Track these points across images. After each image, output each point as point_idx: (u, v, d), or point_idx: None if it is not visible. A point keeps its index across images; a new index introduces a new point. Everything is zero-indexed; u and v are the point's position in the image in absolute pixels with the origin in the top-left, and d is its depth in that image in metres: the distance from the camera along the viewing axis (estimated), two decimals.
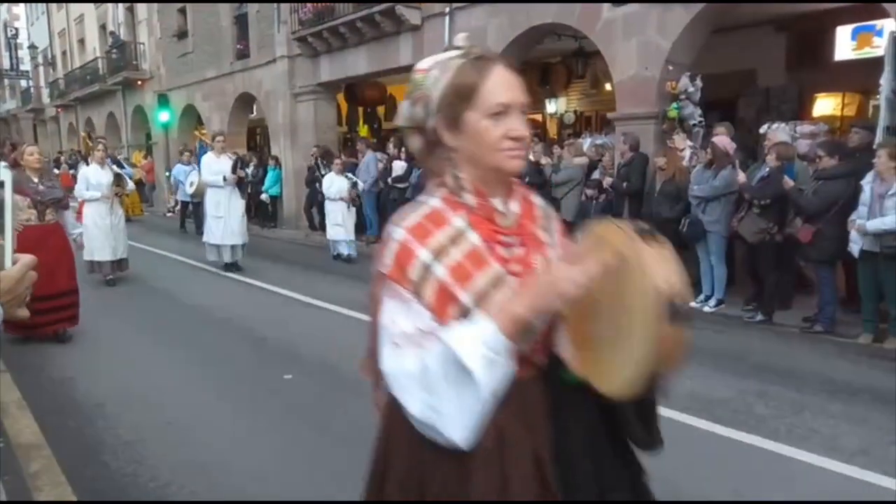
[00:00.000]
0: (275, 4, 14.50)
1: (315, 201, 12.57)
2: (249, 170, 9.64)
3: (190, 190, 12.95)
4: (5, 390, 4.35)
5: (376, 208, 11.21)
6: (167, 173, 18.01)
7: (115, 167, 8.32)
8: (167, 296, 7.64)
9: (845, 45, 9.61)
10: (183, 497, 3.03)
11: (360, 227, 11.01)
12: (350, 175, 10.36)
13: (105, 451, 3.50)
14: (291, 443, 3.63)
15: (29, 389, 4.37)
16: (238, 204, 9.03)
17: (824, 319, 5.78)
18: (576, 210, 8.20)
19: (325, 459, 3.41)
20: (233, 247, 8.96)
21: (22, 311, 1.15)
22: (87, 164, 8.44)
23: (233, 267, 8.94)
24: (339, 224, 10.10)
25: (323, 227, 12.75)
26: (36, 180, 5.32)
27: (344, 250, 10.18)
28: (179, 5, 19.21)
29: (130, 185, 8.73)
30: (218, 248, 8.95)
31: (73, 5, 28.27)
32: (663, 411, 4.05)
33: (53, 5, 30.64)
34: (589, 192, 8.07)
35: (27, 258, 1.15)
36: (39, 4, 32.49)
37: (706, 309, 6.66)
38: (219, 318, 6.52)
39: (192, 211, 13.63)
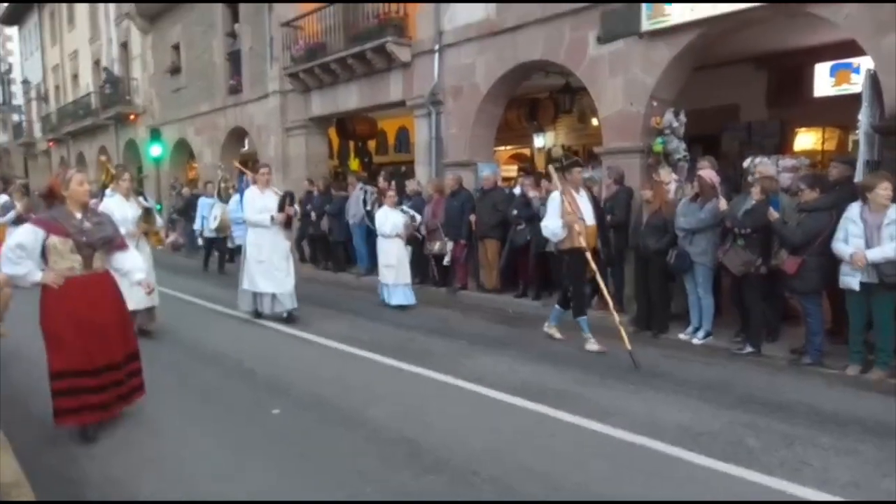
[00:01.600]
0: (267, 41, 14.74)
1: (306, 234, 12.59)
2: (297, 207, 8.48)
3: (213, 224, 12.26)
4: None
5: (366, 241, 11.24)
6: (158, 206, 17.94)
7: (142, 200, 7.26)
8: (175, 340, 7.53)
9: (824, 81, 9.87)
10: None
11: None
12: (406, 209, 9.31)
13: (91, 489, 3.44)
14: (285, 478, 3.59)
15: (10, 425, 4.28)
16: (283, 246, 7.82)
17: (812, 351, 5.81)
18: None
19: (320, 491, 3.36)
20: (278, 296, 7.70)
21: (1, 329, 1.16)
22: (107, 196, 7.18)
23: (288, 318, 7.73)
24: (392, 265, 8.81)
25: (314, 260, 12.80)
26: (79, 216, 4.11)
27: (399, 299, 8.78)
28: (174, 42, 19.47)
29: (159, 220, 7.74)
30: (258, 296, 7.79)
31: (67, 41, 28.56)
32: (650, 443, 4.08)
33: (48, 41, 30.94)
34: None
35: (0, 276, 1.16)
36: (34, 40, 32.80)
37: (695, 341, 6.68)
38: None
39: (212, 247, 12.72)
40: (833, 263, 5.58)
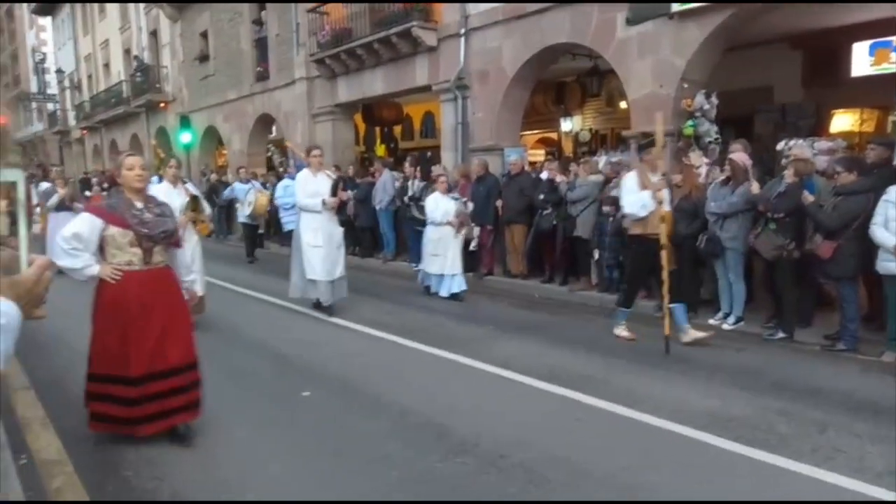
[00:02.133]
0: (293, 27, 14.79)
1: None
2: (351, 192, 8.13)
3: (247, 210, 11.95)
4: (28, 407, 4.42)
5: (393, 227, 11.29)
6: None
7: (189, 187, 7.00)
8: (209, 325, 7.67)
9: (863, 60, 9.56)
10: None
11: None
12: (457, 195, 8.86)
13: (126, 466, 3.54)
14: (314, 460, 3.65)
15: (52, 406, 4.43)
16: (337, 232, 7.43)
17: (847, 337, 5.70)
18: (592, 227, 8.19)
19: (343, 482, 3.42)
20: (336, 283, 7.33)
21: (40, 311, 1.19)
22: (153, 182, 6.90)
23: (327, 308, 7.32)
24: (441, 255, 8.35)
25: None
26: (139, 206, 3.72)
27: (452, 288, 8.37)
28: (202, 29, 19.65)
29: (207, 208, 7.20)
30: (313, 284, 7.21)
31: (98, 30, 29.02)
32: (679, 428, 4.04)
33: (80, 31, 31.45)
34: (605, 208, 8.06)
35: (42, 259, 1.19)
36: (66, 30, 33.36)
37: (725, 326, 6.59)
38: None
39: (248, 234, 12.40)
40: (870, 248, 5.44)
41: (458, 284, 8.41)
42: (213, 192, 15.51)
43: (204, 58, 19.75)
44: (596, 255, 8.30)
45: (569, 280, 8.72)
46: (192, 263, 5.51)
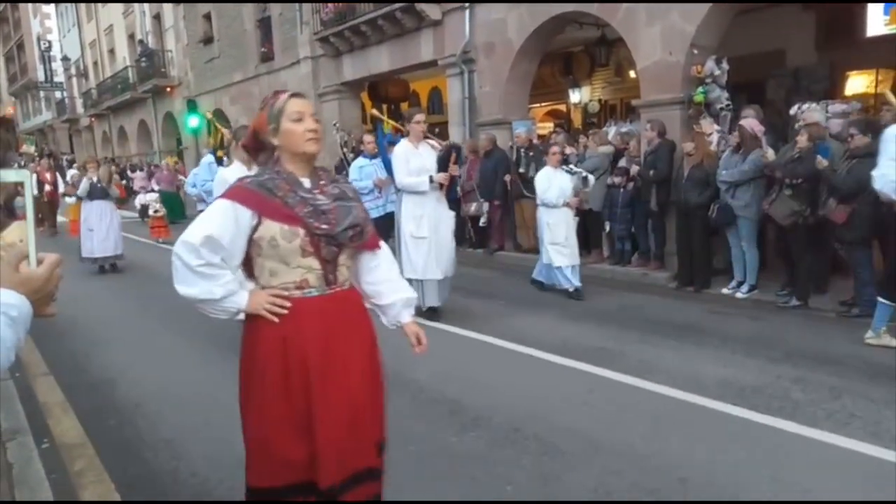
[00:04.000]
0: (297, 6, 14.65)
1: None
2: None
3: None
4: (49, 392, 4.50)
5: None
6: (185, 179, 18.12)
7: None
8: None
9: (878, 19, 9.31)
10: (223, 490, 3.10)
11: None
12: (573, 167, 7.27)
13: (146, 448, 3.60)
14: None
15: (71, 391, 4.51)
16: (448, 218, 6.08)
17: (862, 303, 5.64)
18: (602, 199, 8.13)
19: None
20: (446, 281, 6.07)
21: (50, 309, 1.20)
22: (223, 163, 6.13)
23: (432, 311, 6.01)
24: (562, 243, 6.86)
25: None
26: (308, 184, 2.12)
27: (572, 279, 6.93)
28: (204, 11, 19.52)
29: None
30: (419, 284, 5.74)
31: (102, 16, 28.93)
32: (694, 398, 4.04)
33: (84, 17, 31.38)
34: (616, 180, 7.99)
35: (52, 257, 1.20)
36: (70, 16, 33.30)
37: (738, 295, 6.55)
38: None
39: None
40: (884, 212, 5.35)
41: (575, 276, 7.02)
42: None
43: (208, 40, 19.65)
44: (607, 227, 8.25)
45: (580, 253, 8.68)
46: None
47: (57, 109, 38.04)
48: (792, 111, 6.98)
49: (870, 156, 5.49)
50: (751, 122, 6.46)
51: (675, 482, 3.03)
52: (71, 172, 10.14)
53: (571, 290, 6.90)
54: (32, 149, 22.97)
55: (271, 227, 1.99)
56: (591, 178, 7.35)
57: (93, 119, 31.78)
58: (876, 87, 9.81)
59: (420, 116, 5.90)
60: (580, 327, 5.81)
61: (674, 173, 7.33)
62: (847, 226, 5.56)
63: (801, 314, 5.93)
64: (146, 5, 23.74)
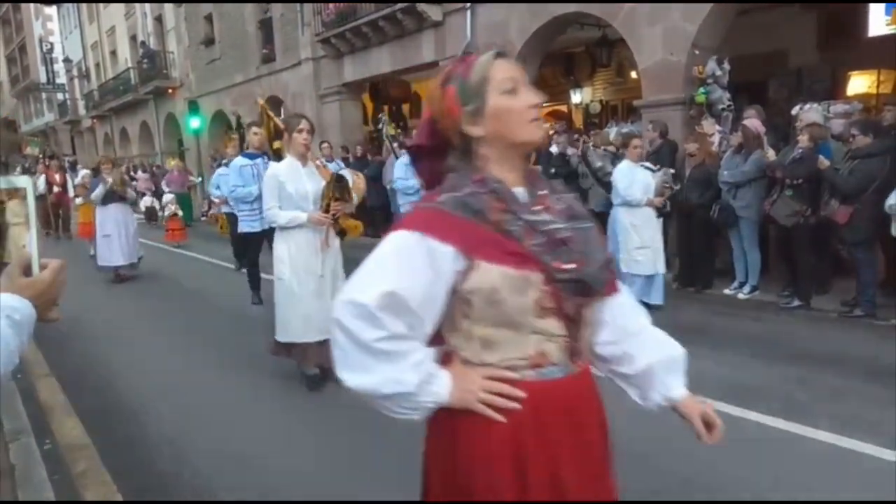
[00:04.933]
0: (298, 7, 14.67)
1: None
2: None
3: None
4: (51, 393, 4.50)
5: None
6: (199, 179, 18.22)
7: (323, 162, 4.82)
8: (200, 298, 7.78)
9: (879, 20, 9.30)
10: (225, 491, 3.10)
11: None
12: (648, 164, 6.42)
13: (148, 450, 3.60)
14: (333, 439, 3.69)
15: (74, 392, 4.51)
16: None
17: (864, 303, 5.63)
18: (604, 200, 8.12)
19: (366, 457, 3.45)
20: None
21: (53, 314, 1.21)
22: (268, 158, 5.61)
23: None
24: (650, 247, 6.07)
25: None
26: (525, 197, 1.31)
27: (658, 296, 6.10)
28: (206, 13, 19.55)
29: (357, 195, 4.55)
30: None
31: (103, 18, 28.98)
32: (698, 398, 3.94)
33: (86, 19, 31.43)
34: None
35: (56, 262, 1.20)
36: (72, 18, 33.36)
37: (740, 296, 6.55)
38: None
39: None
40: (886, 212, 5.35)
41: (658, 288, 6.15)
42: None
43: (209, 41, 19.67)
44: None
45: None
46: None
47: (59, 111, 38.09)
48: (794, 111, 6.98)
49: (871, 156, 5.50)
50: (753, 122, 6.46)
51: (677, 482, 3.03)
52: (83, 172, 9.72)
53: (660, 302, 6.00)
54: (37, 150, 22.94)
55: (489, 274, 1.22)
56: (671, 170, 6.59)
57: (95, 121, 31.82)
58: (877, 87, 9.81)
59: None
60: None
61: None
62: (849, 226, 5.56)
63: (803, 315, 5.92)
64: (147, 7, 23.77)
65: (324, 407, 4.15)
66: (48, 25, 38.09)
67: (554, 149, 9.05)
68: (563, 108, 15.06)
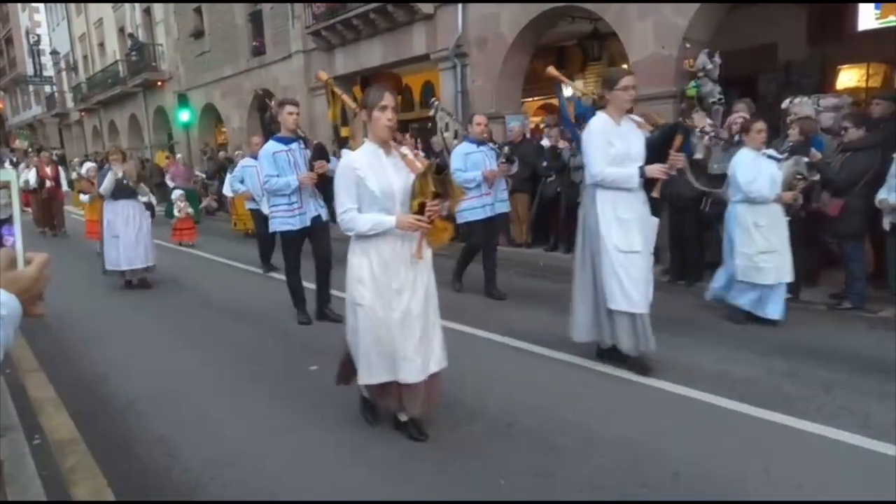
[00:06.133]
0: None
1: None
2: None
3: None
4: (40, 388, 4.47)
5: None
6: (202, 175, 17.54)
7: (412, 150, 3.73)
8: (195, 295, 7.75)
9: (869, 14, 9.35)
10: (215, 487, 3.09)
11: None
12: (773, 153, 5.57)
13: (138, 445, 3.58)
14: (324, 435, 3.68)
15: (63, 387, 4.48)
16: (651, 225, 4.42)
17: (853, 296, 5.68)
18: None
19: (359, 452, 3.45)
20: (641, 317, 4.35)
21: (38, 309, 1.20)
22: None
23: (636, 362, 4.40)
24: (773, 251, 5.25)
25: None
26: None
27: (777, 310, 5.33)
28: (195, 5, 19.38)
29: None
30: (615, 319, 4.32)
31: (91, 10, 28.67)
32: (686, 391, 4.03)
33: (73, 11, 31.09)
34: None
35: (41, 257, 1.19)
36: (59, 10, 32.98)
37: None
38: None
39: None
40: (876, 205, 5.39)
41: (779, 303, 5.36)
42: (222, 171, 14.51)
43: (199, 34, 19.52)
44: None
45: (572, 248, 8.70)
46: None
47: (46, 104, 37.70)
48: (784, 105, 7.01)
49: (862, 149, 5.53)
50: (737, 116, 6.48)
51: (668, 475, 3.04)
52: (87, 165, 9.34)
53: (780, 317, 5.32)
54: (26, 144, 22.68)
55: None
56: (805, 159, 5.68)
57: (83, 113, 31.53)
58: (867, 81, 9.87)
59: (628, 80, 4.11)
60: None
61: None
62: (840, 219, 5.60)
63: (792, 307, 5.94)
64: None
65: (317, 401, 4.15)
66: (35, 17, 37.65)
67: (545, 142, 9.06)
68: (555, 101, 15.03)
